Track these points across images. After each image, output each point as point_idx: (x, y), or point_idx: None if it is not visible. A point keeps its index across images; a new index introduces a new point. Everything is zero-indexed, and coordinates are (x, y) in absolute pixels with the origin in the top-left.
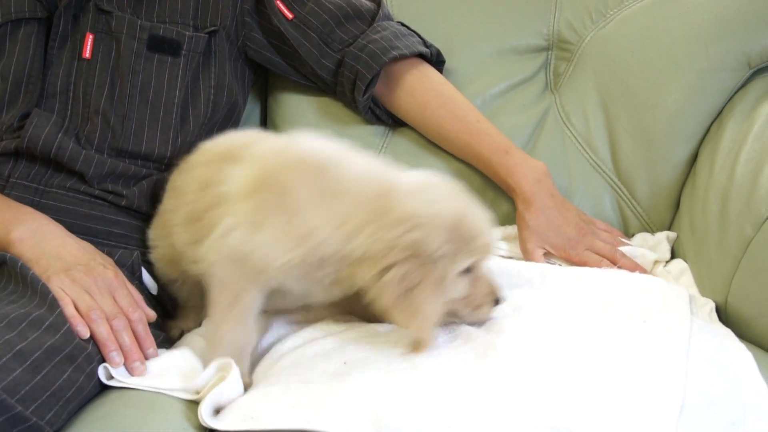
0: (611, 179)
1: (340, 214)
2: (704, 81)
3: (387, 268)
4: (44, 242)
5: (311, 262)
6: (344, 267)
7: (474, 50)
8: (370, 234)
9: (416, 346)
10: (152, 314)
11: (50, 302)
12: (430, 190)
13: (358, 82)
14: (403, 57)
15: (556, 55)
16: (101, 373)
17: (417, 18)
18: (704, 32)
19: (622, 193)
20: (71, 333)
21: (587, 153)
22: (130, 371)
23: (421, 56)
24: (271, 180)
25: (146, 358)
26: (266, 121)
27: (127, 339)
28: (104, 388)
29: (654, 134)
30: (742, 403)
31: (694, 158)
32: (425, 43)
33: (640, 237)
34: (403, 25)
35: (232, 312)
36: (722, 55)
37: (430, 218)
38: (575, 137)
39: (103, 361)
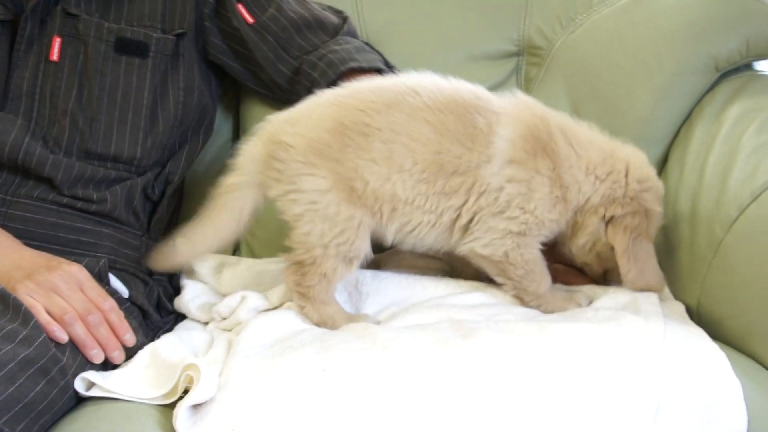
0: None
1: (590, 163)
2: (673, 84)
3: (622, 216)
4: (2, 259)
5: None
6: (579, 214)
7: (445, 56)
8: (610, 184)
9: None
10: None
11: (24, 315)
12: (647, 161)
13: (314, 90)
14: (361, 69)
15: (527, 60)
16: (78, 385)
17: (388, 24)
18: (672, 36)
19: None
20: (45, 345)
21: None
22: (111, 360)
23: (380, 73)
24: (541, 144)
25: (125, 344)
26: (239, 130)
27: (104, 332)
28: (79, 402)
29: (624, 137)
30: (717, 402)
31: (664, 161)
32: (386, 63)
33: None
34: (367, 44)
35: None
36: (690, 59)
37: (658, 185)
38: None
39: (77, 373)
